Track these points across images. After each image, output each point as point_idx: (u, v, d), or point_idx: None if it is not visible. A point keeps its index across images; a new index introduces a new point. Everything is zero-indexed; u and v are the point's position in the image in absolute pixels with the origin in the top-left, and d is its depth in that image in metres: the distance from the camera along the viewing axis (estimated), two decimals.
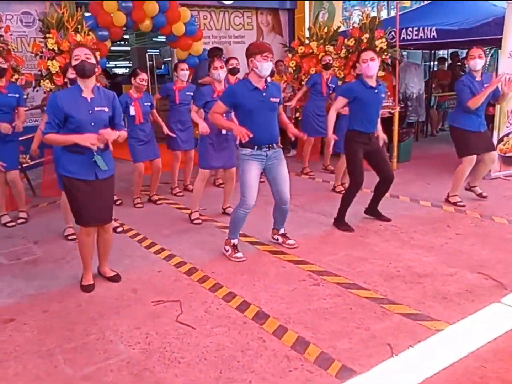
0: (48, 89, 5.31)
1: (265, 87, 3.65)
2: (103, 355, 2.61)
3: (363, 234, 4.30)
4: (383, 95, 4.40)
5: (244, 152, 3.70)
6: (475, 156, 4.89)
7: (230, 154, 4.67)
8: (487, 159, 5.01)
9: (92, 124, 3.05)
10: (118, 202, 5.30)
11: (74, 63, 3.03)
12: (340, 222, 4.46)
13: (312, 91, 6.65)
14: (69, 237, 4.37)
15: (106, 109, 3.13)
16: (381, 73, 6.50)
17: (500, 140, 5.97)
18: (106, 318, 2.98)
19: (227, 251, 3.90)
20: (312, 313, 2.98)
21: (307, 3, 8.58)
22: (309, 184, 6.23)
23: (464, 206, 4.97)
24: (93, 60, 3.06)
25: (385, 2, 11.37)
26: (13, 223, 4.75)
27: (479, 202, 5.11)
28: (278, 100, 3.73)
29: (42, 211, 5.14)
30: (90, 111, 3.05)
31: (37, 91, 5.42)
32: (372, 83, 4.23)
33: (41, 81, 5.29)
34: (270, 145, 3.70)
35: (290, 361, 2.50)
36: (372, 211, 4.69)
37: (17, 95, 4.68)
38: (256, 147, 3.66)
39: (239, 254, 3.84)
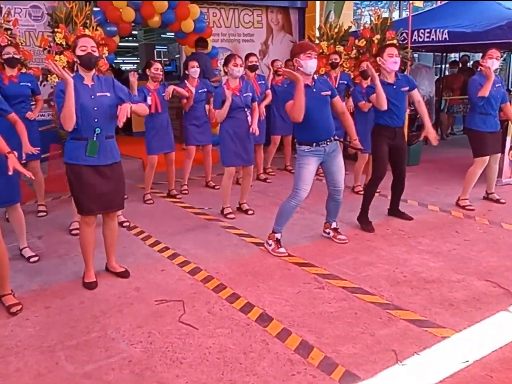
0: (55, 84, 5.29)
1: (313, 83, 3.72)
2: (104, 353, 2.59)
3: (370, 238, 4.26)
4: (404, 89, 4.35)
5: (302, 148, 3.78)
6: (487, 158, 4.94)
7: (250, 150, 4.76)
8: (491, 160, 5.06)
9: (95, 108, 3.11)
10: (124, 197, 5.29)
11: (80, 53, 3.08)
12: (362, 219, 4.52)
13: None
14: (73, 232, 4.36)
15: (108, 94, 3.19)
16: None
17: None
18: (109, 316, 2.96)
19: (270, 245, 3.91)
20: (316, 316, 2.94)
21: (318, 2, 8.51)
22: (314, 184, 6.18)
23: (473, 210, 4.95)
24: (97, 53, 3.18)
25: (397, 3, 11.28)
26: None
27: (488, 208, 5.06)
28: (329, 93, 3.78)
29: (47, 206, 5.12)
30: (93, 96, 3.12)
31: (44, 85, 5.39)
32: (391, 79, 4.31)
33: (49, 75, 5.26)
34: (328, 140, 3.77)
35: (293, 365, 2.47)
36: (394, 211, 4.78)
37: (29, 84, 4.72)
38: (314, 143, 3.74)
39: (282, 250, 3.88)
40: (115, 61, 7.66)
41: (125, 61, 18.85)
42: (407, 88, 4.36)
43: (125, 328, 2.83)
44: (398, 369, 2.43)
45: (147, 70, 5.26)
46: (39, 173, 4.84)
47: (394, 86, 4.30)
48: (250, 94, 4.69)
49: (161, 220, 4.84)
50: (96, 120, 3.11)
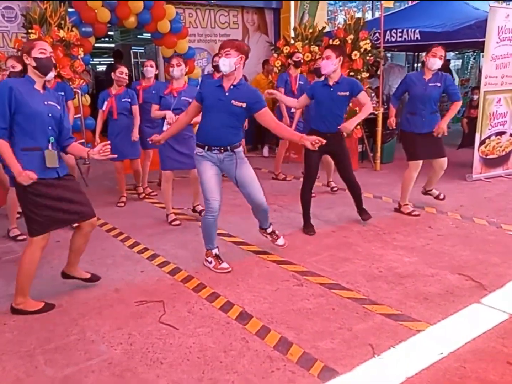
0: None
1: (231, 87, 3.35)
2: (84, 355, 2.59)
3: (347, 235, 4.33)
4: (342, 93, 4.20)
5: (195, 151, 3.52)
6: (421, 162, 4.68)
7: (190, 154, 4.26)
8: (435, 165, 4.82)
9: (50, 115, 2.90)
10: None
11: (39, 55, 2.86)
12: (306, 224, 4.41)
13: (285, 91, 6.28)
14: (18, 238, 4.24)
15: (58, 107, 2.98)
16: (365, 74, 6.56)
17: (482, 142, 6.06)
18: (88, 319, 2.95)
19: (210, 263, 3.63)
20: (295, 313, 2.98)
21: (292, 3, 8.59)
22: (293, 184, 6.25)
23: (418, 215, 4.79)
24: (54, 61, 2.99)
25: (370, 4, 11.45)
26: None
27: (460, 204, 5.18)
28: (243, 105, 3.31)
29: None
30: (45, 103, 2.90)
31: None
32: (331, 81, 4.21)
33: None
34: (222, 148, 3.41)
35: (272, 362, 2.51)
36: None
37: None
38: (206, 147, 3.43)
39: (224, 265, 3.59)
40: (91, 62, 7.57)
41: (101, 62, 18.60)
42: (346, 93, 4.21)
43: (104, 330, 2.83)
44: (375, 362, 2.48)
45: (112, 73, 5.08)
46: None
47: (332, 89, 4.20)
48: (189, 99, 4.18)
49: (140, 221, 4.81)
50: (50, 127, 2.90)
